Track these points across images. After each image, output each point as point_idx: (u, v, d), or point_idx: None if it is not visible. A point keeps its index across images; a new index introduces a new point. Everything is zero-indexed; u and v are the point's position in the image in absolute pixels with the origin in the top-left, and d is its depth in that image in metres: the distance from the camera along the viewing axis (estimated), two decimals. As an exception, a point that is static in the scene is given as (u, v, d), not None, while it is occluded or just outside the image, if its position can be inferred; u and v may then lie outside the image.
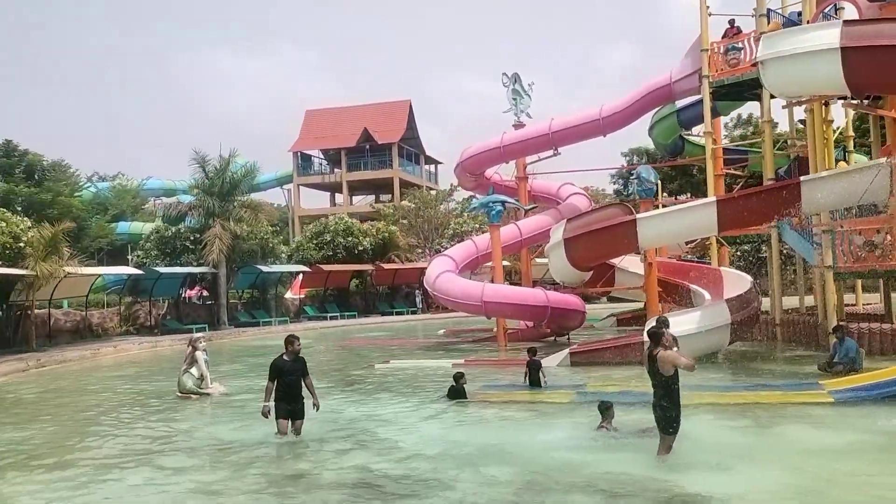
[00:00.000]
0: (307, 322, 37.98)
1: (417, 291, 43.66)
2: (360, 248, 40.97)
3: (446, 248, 45.84)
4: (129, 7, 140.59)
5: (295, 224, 67.40)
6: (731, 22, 22.12)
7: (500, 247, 22.38)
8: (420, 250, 50.36)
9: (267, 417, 9.71)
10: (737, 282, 18.32)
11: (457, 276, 22.00)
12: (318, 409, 9.83)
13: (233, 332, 32.36)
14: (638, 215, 16.31)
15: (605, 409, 9.37)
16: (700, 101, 26.49)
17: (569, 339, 22.78)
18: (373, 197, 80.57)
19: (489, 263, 23.73)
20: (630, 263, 20.58)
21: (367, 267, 41.50)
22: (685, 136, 30.88)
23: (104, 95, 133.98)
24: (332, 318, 39.09)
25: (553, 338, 22.89)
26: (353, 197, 76.81)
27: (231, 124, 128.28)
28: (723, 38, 22.10)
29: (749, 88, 22.32)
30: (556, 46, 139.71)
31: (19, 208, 31.80)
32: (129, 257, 41.43)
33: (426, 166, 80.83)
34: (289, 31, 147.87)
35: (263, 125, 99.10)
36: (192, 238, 33.70)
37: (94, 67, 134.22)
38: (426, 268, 45.11)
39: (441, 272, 21.95)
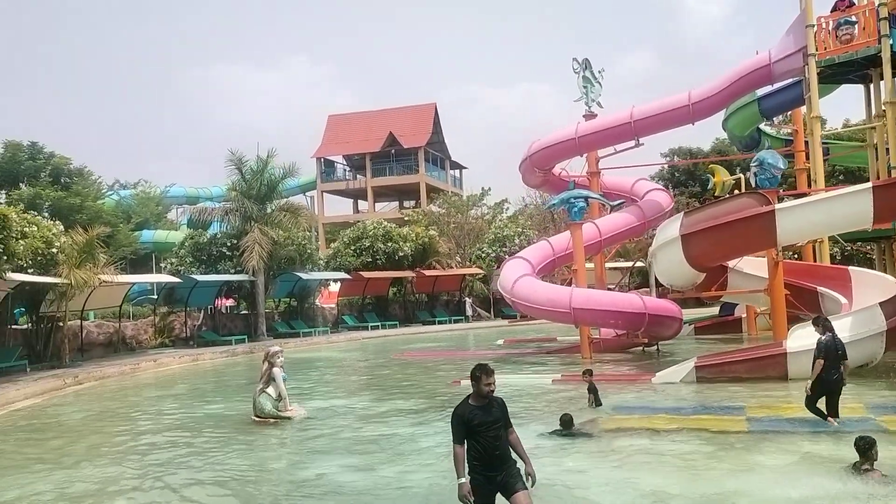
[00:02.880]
0: (347, 332, 35.85)
1: (467, 299, 41.48)
2: (401, 254, 38.77)
3: (488, 254, 43.99)
4: (147, 22, 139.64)
5: (320, 231, 65.32)
6: (843, -7, 19.96)
7: (585, 246, 20.15)
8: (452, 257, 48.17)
9: (470, 501, 5.67)
10: (872, 283, 16.04)
11: (538, 281, 19.76)
12: (533, 483, 5.88)
13: (273, 343, 30.13)
14: (777, 206, 14.09)
15: (868, 447, 7.10)
16: (785, 89, 24.50)
17: (658, 349, 20.53)
18: (396, 203, 78.60)
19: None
20: (745, 264, 18.29)
21: (408, 273, 39.31)
22: (762, 129, 28.70)
23: (122, 109, 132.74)
24: (372, 327, 36.93)
25: (641, 348, 20.61)
26: (376, 203, 74.80)
27: (248, 136, 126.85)
28: (832, 11, 19.93)
29: (860, 68, 20.15)
30: (570, 54, 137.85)
31: (46, 213, 29.84)
32: (162, 265, 39.39)
33: (451, 171, 78.81)
34: (304, 45, 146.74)
35: (280, 136, 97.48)
36: (228, 244, 31.61)
37: (111, 81, 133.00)
38: (467, 274, 43.74)
39: (519, 276, 19.71)
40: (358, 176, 73.29)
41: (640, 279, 37.78)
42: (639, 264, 41.50)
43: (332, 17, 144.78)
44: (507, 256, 42.83)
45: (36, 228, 21.28)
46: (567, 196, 20.05)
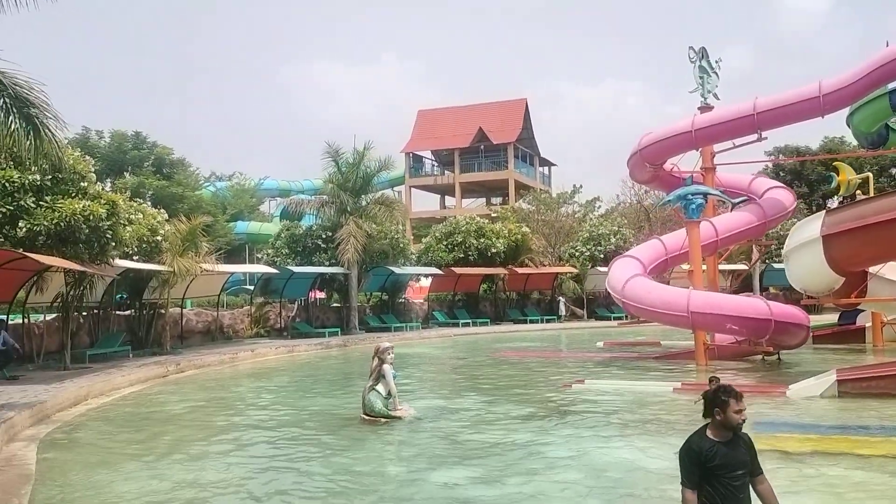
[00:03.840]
0: (438, 328, 35.32)
1: (561, 299, 40.41)
2: (493, 251, 37.98)
3: (581, 253, 42.74)
4: (244, 24, 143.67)
5: (407, 226, 65.16)
6: None
7: (702, 246, 18.90)
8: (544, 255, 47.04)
9: None
10: None
11: (651, 282, 18.64)
12: None
13: (366, 337, 29.93)
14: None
15: None
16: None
17: (779, 358, 19.10)
18: (483, 200, 77.95)
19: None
20: (888, 270, 16.67)
21: (500, 271, 38.50)
22: (890, 125, 26.57)
23: (221, 104, 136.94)
24: (463, 324, 36.30)
25: (761, 357, 19.19)
26: (463, 200, 74.33)
27: (336, 131, 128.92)
28: None
29: None
30: (661, 50, 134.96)
31: (149, 202, 30.42)
32: (259, 256, 39.89)
33: (540, 168, 77.58)
34: (392, 43, 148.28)
35: (368, 131, 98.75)
36: (323, 236, 31.55)
37: (211, 78, 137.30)
38: (560, 273, 42.61)
39: (630, 276, 18.63)
40: (446, 171, 72.98)
41: (739, 283, 35.93)
42: (741, 267, 39.69)
43: (418, 15, 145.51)
44: (604, 255, 41.66)
45: (142, 216, 21.53)
46: (684, 192, 18.83)
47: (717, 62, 23.03)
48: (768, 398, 13.53)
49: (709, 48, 22.95)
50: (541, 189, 66.39)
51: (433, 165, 74.95)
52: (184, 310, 27.02)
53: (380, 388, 11.75)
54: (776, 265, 41.78)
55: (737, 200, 20.23)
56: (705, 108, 22.32)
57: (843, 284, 15.38)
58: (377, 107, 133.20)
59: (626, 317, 27.48)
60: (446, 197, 77.51)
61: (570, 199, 58.19)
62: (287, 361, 23.23)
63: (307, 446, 10.12)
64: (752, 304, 17.17)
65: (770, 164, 52.97)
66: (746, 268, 39.04)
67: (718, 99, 22.79)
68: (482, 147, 69.48)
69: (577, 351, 25.11)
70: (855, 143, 55.51)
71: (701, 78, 22.48)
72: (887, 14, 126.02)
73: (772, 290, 43.93)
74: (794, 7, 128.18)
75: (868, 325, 23.32)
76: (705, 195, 18.94)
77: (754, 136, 20.64)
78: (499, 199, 74.14)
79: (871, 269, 15.60)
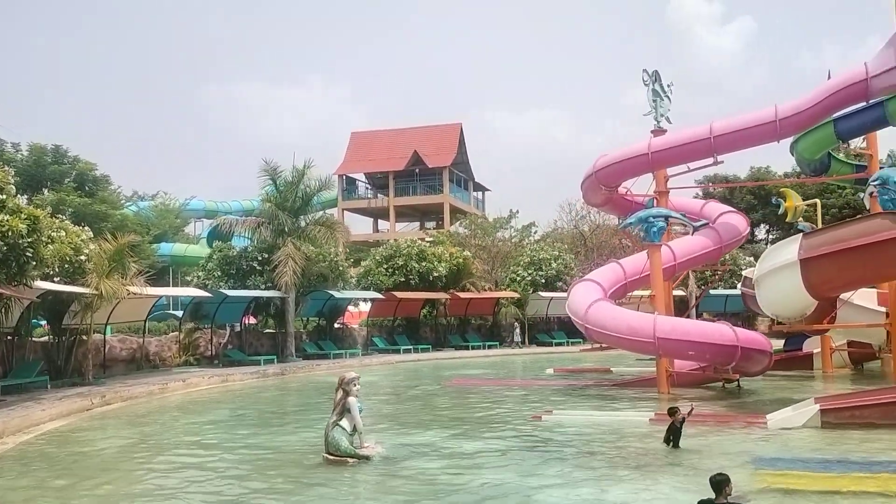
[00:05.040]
0: (379, 355, 34.02)
1: (516, 324, 39.57)
2: (435, 275, 37.01)
3: (523, 277, 42.21)
4: (163, 42, 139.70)
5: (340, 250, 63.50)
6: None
7: (662, 270, 18.41)
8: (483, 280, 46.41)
9: None
10: None
11: (615, 307, 18.03)
12: None
13: (305, 365, 28.43)
14: (923, 228, 12.35)
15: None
16: (865, 109, 22.75)
17: (739, 385, 18.71)
18: (417, 224, 77.19)
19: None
20: (858, 296, 16.47)
21: (442, 295, 37.52)
22: (832, 153, 27.01)
23: (140, 120, 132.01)
24: (404, 350, 35.10)
25: (721, 384, 18.77)
26: (397, 223, 73.35)
27: (264, 153, 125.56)
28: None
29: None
30: (580, 83, 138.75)
31: (68, 220, 28.23)
32: (189, 279, 37.74)
33: (474, 193, 77.42)
34: (318, 66, 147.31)
35: (296, 154, 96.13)
36: (259, 258, 29.94)
37: (130, 98, 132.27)
38: (501, 297, 41.93)
39: (593, 301, 17.96)
40: (379, 195, 71.92)
41: (688, 310, 36.03)
42: (679, 293, 39.83)
43: (342, 39, 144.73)
44: (545, 279, 41.28)
45: (65, 234, 19.72)
46: (645, 215, 18.37)
47: (668, 86, 22.87)
48: (748, 429, 12.95)
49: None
50: (474, 214, 66.09)
51: (366, 188, 73.81)
52: (106, 336, 25.02)
53: (344, 423, 10.55)
54: (713, 291, 42.24)
55: (698, 224, 19.92)
56: (658, 131, 22.06)
57: (814, 310, 15.06)
58: (304, 130, 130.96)
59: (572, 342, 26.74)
60: (379, 220, 76.42)
61: (506, 223, 57.96)
62: (222, 392, 21.59)
63: (265, 493, 8.86)
64: (720, 330, 16.70)
65: (699, 192, 54.04)
66: (684, 293, 39.27)
67: (670, 122, 22.62)
68: (417, 170, 68.79)
69: (529, 378, 24.30)
70: (780, 172, 57.60)
71: (654, 101, 22.20)
72: (792, 52, 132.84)
73: (705, 315, 44.34)
74: (706, 47, 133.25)
75: (816, 351, 23.35)
76: (667, 218, 18.53)
77: (710, 160, 20.43)
78: (433, 224, 73.53)
79: (842, 296, 15.35)
